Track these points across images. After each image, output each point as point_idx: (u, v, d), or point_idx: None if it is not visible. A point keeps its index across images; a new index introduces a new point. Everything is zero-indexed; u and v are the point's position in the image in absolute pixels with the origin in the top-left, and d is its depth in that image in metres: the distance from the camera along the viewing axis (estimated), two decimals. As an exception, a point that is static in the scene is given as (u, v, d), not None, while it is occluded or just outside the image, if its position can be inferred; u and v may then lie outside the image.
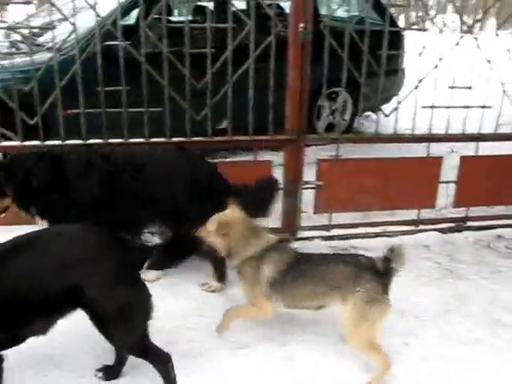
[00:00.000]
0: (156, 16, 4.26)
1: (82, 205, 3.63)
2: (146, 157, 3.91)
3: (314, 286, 3.12)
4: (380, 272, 3.04)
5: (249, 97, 4.34)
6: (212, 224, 3.26)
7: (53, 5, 4.01)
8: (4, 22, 4.93)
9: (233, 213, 3.31)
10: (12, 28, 4.49)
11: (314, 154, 5.16)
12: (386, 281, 3.04)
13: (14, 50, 5.44)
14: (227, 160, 5.61)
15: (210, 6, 6.54)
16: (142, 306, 2.75)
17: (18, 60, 4.43)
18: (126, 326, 2.69)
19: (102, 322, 2.66)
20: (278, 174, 4.58)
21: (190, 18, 4.31)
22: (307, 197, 4.71)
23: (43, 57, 4.64)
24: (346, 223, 4.87)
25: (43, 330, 2.73)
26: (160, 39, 4.14)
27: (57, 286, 2.56)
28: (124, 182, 3.72)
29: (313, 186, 4.65)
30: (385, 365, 3.02)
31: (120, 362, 3.01)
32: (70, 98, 4.15)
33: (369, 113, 7.85)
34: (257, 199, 3.88)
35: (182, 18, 8.90)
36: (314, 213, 4.75)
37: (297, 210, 4.68)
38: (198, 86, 4.22)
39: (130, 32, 5.15)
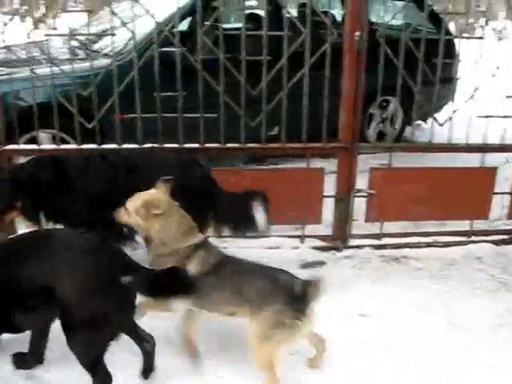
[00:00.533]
0: (209, 23, 4.32)
1: (87, 203, 3.68)
2: (140, 158, 3.96)
3: (230, 294, 2.93)
4: (296, 296, 2.82)
5: (303, 104, 4.36)
6: (135, 203, 3.00)
7: (113, 13, 4.11)
8: (55, 28, 5.04)
9: (161, 194, 3.05)
10: (73, 35, 4.61)
11: (363, 162, 5.12)
12: (301, 306, 2.81)
13: (71, 55, 5.57)
14: (279, 166, 5.63)
15: (260, 13, 6.57)
16: (112, 321, 2.68)
17: (76, 65, 4.53)
18: (89, 337, 2.64)
19: (68, 329, 2.63)
20: (330, 181, 4.60)
21: (241, 25, 4.36)
22: (358, 205, 4.68)
23: (100, 62, 4.75)
24: (397, 232, 4.83)
25: (26, 325, 2.83)
26: (216, 46, 4.19)
27: (33, 284, 2.61)
28: (119, 181, 3.74)
29: (365, 194, 4.63)
30: None
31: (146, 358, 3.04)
32: (127, 103, 4.24)
33: (419, 122, 7.76)
34: (235, 209, 3.85)
35: (231, 26, 8.98)
36: (366, 221, 4.72)
37: (348, 217, 4.65)
38: (254, 93, 4.26)
39: (184, 38, 5.21)
